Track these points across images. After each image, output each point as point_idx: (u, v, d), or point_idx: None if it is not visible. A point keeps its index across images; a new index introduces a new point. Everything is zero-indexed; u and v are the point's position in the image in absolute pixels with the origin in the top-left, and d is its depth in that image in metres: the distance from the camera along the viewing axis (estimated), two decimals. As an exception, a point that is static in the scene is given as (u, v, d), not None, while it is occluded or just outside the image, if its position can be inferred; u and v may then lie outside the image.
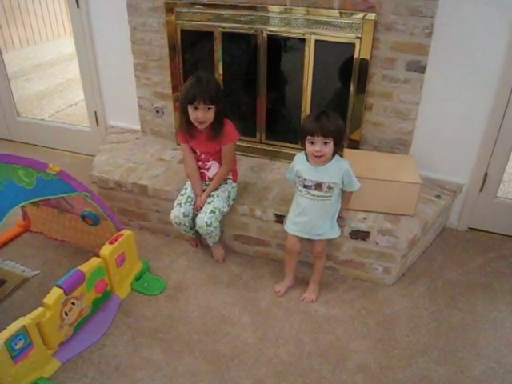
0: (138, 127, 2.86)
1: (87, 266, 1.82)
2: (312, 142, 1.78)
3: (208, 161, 2.13)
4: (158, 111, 2.71)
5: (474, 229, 2.47)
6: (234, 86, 2.49)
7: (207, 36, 2.36)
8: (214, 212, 2.05)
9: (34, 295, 2.00)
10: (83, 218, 2.11)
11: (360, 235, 2.04)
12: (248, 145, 2.56)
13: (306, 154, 1.85)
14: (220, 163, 2.13)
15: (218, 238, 2.17)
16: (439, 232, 2.45)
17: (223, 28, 2.31)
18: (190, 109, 1.95)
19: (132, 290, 2.07)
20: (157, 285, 2.09)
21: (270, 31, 2.24)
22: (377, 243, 2.03)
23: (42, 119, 3.55)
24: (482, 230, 2.46)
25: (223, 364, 1.75)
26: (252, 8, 2.21)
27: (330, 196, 1.87)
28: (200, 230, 2.08)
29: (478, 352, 1.81)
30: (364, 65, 2.15)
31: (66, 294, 1.71)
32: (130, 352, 1.79)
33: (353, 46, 2.12)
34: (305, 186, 1.87)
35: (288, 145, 2.50)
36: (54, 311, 1.67)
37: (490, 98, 2.12)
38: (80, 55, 2.82)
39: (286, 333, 1.88)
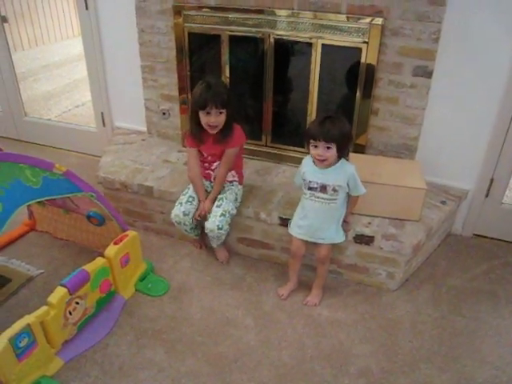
0: (145, 129, 2.87)
1: (92, 266, 1.82)
2: (315, 146, 1.79)
3: (214, 162, 2.15)
4: (164, 113, 2.72)
5: (478, 235, 2.46)
6: (241, 89, 2.50)
7: (214, 39, 2.37)
8: (225, 215, 2.07)
9: (39, 294, 2.01)
10: (89, 218, 2.12)
11: (364, 240, 2.04)
12: (254, 148, 2.56)
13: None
14: None
15: (223, 239, 2.18)
16: (444, 238, 2.44)
17: (230, 31, 2.32)
18: (202, 114, 1.96)
19: (136, 290, 2.07)
20: (161, 286, 2.10)
21: (277, 35, 2.25)
22: (381, 248, 2.03)
23: (49, 119, 3.57)
24: (486, 237, 2.45)
25: (226, 366, 1.75)
26: (259, 12, 2.22)
27: (335, 199, 1.87)
28: (211, 234, 2.09)
29: (481, 359, 1.80)
30: (370, 69, 2.15)
31: (71, 294, 1.72)
32: (133, 352, 1.80)
33: (359, 50, 2.13)
34: (310, 188, 1.88)
35: (293, 148, 2.50)
36: (58, 310, 1.68)
37: (496, 103, 2.12)
38: (88, 56, 2.85)
39: (289, 336, 1.88)
